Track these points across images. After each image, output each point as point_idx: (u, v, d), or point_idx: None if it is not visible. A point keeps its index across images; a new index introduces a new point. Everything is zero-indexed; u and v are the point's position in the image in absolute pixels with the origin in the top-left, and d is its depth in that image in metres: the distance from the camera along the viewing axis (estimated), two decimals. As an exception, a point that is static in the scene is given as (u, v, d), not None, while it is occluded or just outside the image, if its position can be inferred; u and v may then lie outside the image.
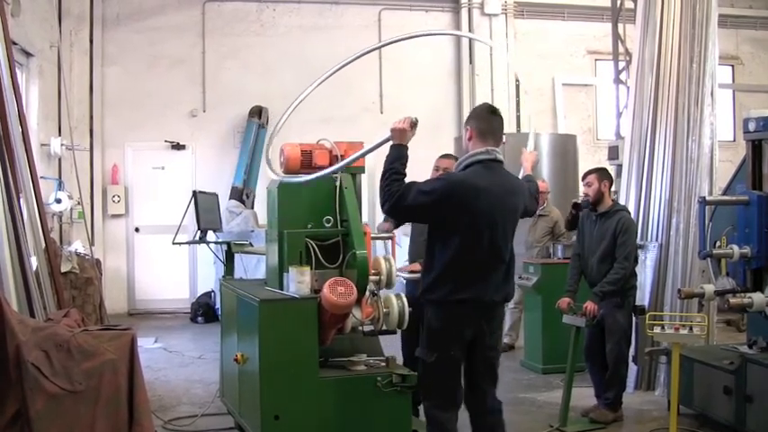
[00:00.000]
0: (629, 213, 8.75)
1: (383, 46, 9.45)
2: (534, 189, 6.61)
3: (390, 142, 5.88)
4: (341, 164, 6.35)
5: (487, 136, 5.97)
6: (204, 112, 16.98)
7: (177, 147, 16.78)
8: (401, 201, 5.67)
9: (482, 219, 5.76)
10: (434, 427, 5.96)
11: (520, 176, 6.66)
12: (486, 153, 5.90)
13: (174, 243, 9.11)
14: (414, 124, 5.85)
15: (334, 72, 7.86)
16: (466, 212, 5.73)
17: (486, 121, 6.04)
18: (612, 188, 8.81)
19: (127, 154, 16.71)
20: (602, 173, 8.69)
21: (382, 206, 5.84)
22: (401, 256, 13.89)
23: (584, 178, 8.85)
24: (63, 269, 10.49)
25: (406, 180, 5.81)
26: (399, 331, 6.78)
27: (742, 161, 7.34)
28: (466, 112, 17.07)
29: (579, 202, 9.99)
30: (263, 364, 6.26)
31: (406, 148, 5.87)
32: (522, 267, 11.19)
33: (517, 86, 18.05)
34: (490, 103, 7.48)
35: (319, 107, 16.49)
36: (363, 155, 6.34)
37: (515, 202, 6.05)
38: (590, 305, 8.23)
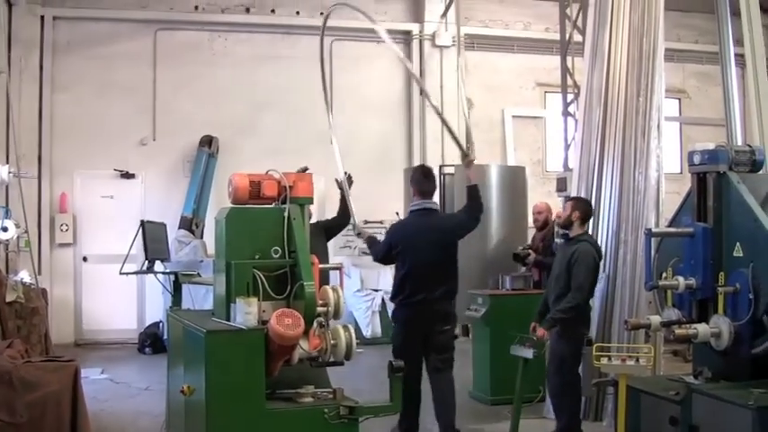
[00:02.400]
0: (593, 245, 8.82)
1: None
2: (473, 207, 8.95)
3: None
4: None
5: (424, 193, 8.95)
6: (154, 140, 16.91)
7: (126, 175, 16.68)
8: (377, 256, 9.23)
9: (411, 249, 8.74)
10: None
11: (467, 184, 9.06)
12: (420, 205, 8.91)
13: (121, 273, 9.05)
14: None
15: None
16: (401, 247, 8.80)
17: (422, 183, 8.97)
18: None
19: (76, 182, 16.58)
20: (577, 202, 9.07)
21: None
22: (349, 287, 13.92)
23: (567, 200, 9.45)
24: (8, 299, 10.35)
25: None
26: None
27: (687, 193, 7.41)
28: (416, 143, 17.27)
29: (518, 252, 10.42)
30: (210, 395, 6.21)
31: (372, 240, 9.27)
32: (470, 298, 11.26)
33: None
34: (424, 164, 10.00)
35: (271, 138, 16.59)
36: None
37: (439, 236, 8.81)
38: (540, 330, 8.44)
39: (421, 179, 8.96)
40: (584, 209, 8.95)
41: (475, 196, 8.93)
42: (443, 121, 9.46)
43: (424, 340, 8.80)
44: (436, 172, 12.89)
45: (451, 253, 8.91)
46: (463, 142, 9.29)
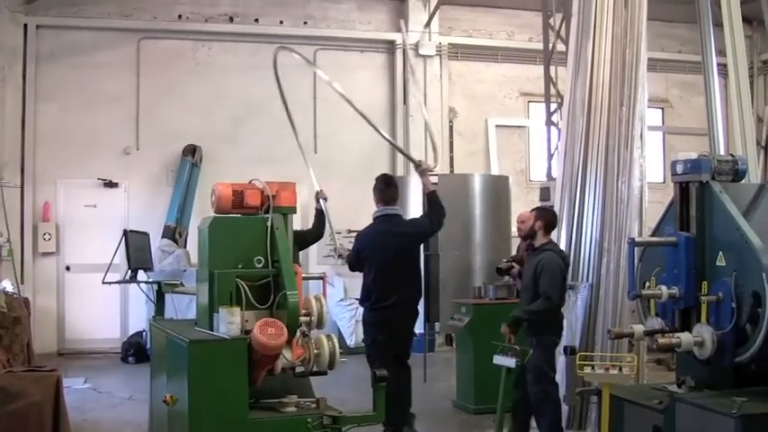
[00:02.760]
0: (557, 253, 8.84)
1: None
2: (435, 212, 9.34)
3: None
4: None
5: (387, 200, 9.35)
6: (138, 149, 16.86)
7: (110, 184, 16.63)
8: (350, 265, 9.60)
9: (376, 253, 9.18)
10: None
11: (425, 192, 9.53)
12: (382, 211, 9.33)
13: (104, 282, 9.03)
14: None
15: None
16: (367, 251, 9.25)
17: (384, 192, 9.40)
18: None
19: (59, 191, 16.51)
20: (540, 212, 9.04)
21: None
22: (333, 296, 13.91)
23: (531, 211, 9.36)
24: (-10, 308, 10.32)
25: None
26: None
27: (670, 203, 7.41)
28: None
29: (501, 266, 10.48)
30: (193, 405, 6.20)
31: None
32: (453, 307, 11.28)
33: (450, 127, 18.20)
34: (386, 173, 10.16)
35: (254, 147, 16.58)
36: None
37: (401, 239, 9.26)
38: (503, 327, 8.60)
39: (383, 188, 9.46)
40: (546, 218, 8.95)
41: (435, 202, 9.41)
42: (383, 136, 9.73)
43: (396, 340, 9.28)
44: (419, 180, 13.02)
45: (415, 256, 9.65)
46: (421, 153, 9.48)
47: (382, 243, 9.22)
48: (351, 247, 9.81)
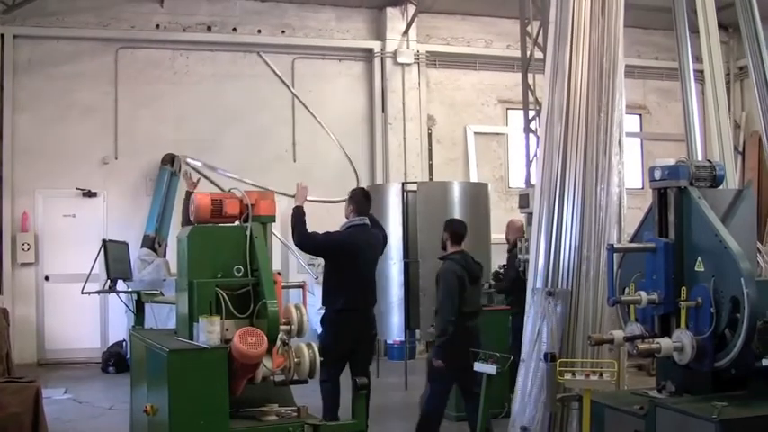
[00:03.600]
0: (457, 261, 9.37)
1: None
2: (380, 228, 10.23)
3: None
4: None
5: (362, 212, 9.78)
6: (116, 159, 16.81)
7: (88, 194, 16.57)
8: (313, 242, 9.61)
9: (356, 260, 9.54)
10: (326, 387, 9.26)
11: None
12: (360, 220, 9.74)
13: (83, 293, 8.99)
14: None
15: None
16: (348, 257, 9.51)
17: (362, 204, 9.84)
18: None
19: (37, 201, 16.44)
20: (447, 224, 9.89)
21: (294, 241, 9.70)
22: (313, 304, 13.86)
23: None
24: (-32, 320, 10.28)
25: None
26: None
27: (649, 209, 7.43)
28: (379, 161, 17.29)
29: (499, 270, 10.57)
30: (173, 414, 6.18)
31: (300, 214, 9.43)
32: (432, 315, 11.29)
33: (429, 135, 18.22)
34: (364, 187, 10.76)
35: (234, 155, 16.53)
36: None
37: (374, 249, 9.94)
38: (435, 362, 9.14)
39: (362, 200, 9.95)
40: (451, 230, 9.64)
41: (375, 220, 10.21)
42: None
43: (358, 344, 9.68)
44: (399, 189, 13.07)
45: (375, 265, 10.17)
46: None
47: (363, 250, 9.68)
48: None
